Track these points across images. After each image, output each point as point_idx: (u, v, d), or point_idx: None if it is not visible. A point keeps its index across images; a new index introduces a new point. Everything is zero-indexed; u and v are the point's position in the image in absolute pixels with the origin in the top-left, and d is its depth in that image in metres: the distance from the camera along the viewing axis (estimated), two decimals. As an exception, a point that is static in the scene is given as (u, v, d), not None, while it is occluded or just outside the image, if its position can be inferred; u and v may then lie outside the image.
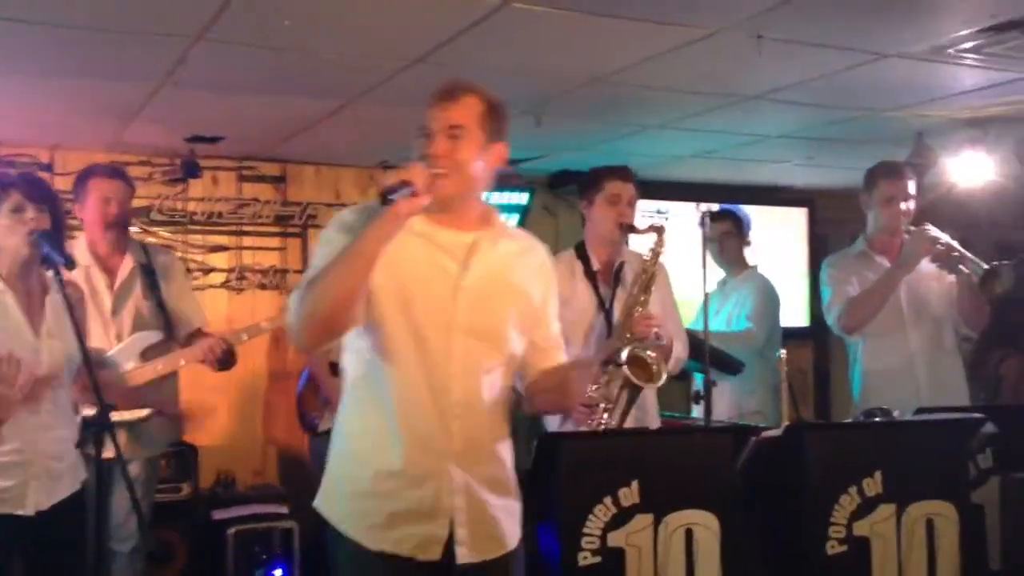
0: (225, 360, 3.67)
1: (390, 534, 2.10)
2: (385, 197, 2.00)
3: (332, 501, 2.19)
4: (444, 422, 2.12)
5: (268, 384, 5.35)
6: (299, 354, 4.93)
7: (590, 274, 3.45)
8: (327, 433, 4.55)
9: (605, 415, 3.21)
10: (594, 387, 3.25)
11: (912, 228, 3.76)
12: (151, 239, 5.12)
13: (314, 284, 2.03)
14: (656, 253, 3.36)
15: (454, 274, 2.14)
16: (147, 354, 3.61)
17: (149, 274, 3.68)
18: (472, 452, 2.15)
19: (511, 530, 2.23)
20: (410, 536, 2.10)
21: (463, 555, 2.12)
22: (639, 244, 3.53)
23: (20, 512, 2.69)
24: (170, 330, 3.70)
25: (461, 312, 2.13)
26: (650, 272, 3.34)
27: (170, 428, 3.79)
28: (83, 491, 2.84)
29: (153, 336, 3.65)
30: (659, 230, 3.37)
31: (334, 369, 4.32)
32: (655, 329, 3.25)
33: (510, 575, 2.22)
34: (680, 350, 3.42)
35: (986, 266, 3.61)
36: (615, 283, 3.44)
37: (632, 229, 3.41)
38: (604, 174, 3.45)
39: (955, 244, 3.72)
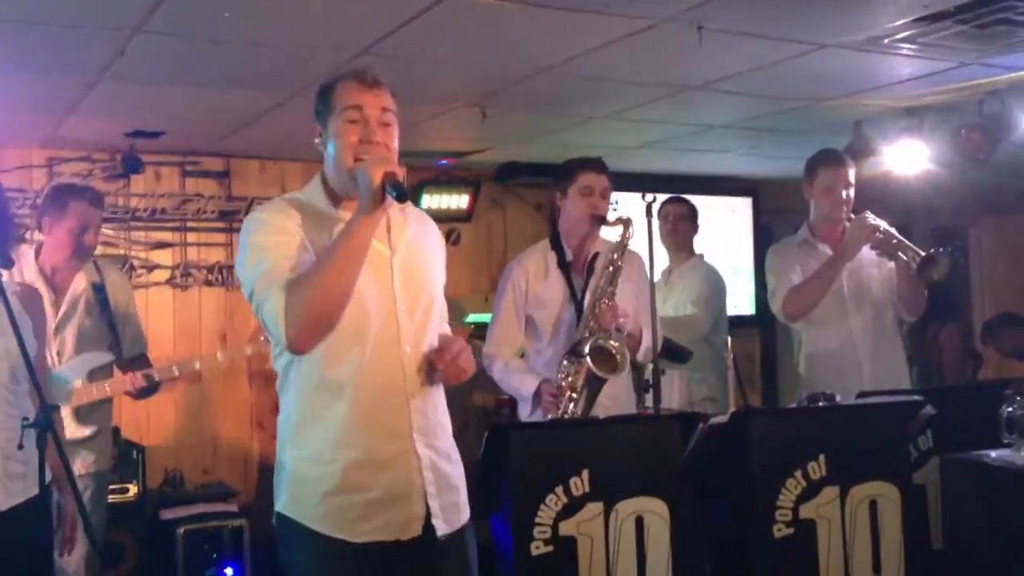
0: (146, 392, 3.67)
1: (372, 523, 2.11)
2: (402, 189, 2.04)
3: (303, 505, 2.14)
4: (403, 401, 2.15)
5: (214, 381, 5.28)
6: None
7: (563, 265, 3.48)
8: None
9: (571, 405, 3.25)
10: (561, 376, 3.28)
11: (852, 216, 3.83)
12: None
13: (305, 287, 2.03)
14: (623, 245, 3.40)
15: (386, 254, 2.19)
16: (94, 375, 3.57)
17: (99, 292, 3.60)
18: (430, 427, 2.20)
19: (464, 498, 2.28)
20: (392, 520, 2.12)
21: (441, 527, 2.16)
22: (612, 235, 3.56)
23: None
24: (118, 349, 3.64)
25: (400, 291, 2.18)
26: (616, 264, 3.37)
27: (106, 453, 3.70)
28: (46, 495, 2.78)
29: (101, 357, 3.60)
30: (626, 223, 3.41)
31: None
32: (620, 320, 3.28)
33: (468, 542, 2.27)
34: (649, 339, 3.45)
35: (923, 253, 3.69)
36: (588, 274, 3.46)
37: (602, 221, 3.44)
38: (577, 165, 3.49)
39: (894, 232, 3.79)
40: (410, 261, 2.23)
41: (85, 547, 3.35)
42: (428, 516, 2.15)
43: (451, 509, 2.21)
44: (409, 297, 2.20)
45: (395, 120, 2.20)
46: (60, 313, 3.55)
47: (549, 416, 3.26)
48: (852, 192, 3.85)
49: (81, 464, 3.48)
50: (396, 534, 2.13)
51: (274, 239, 2.12)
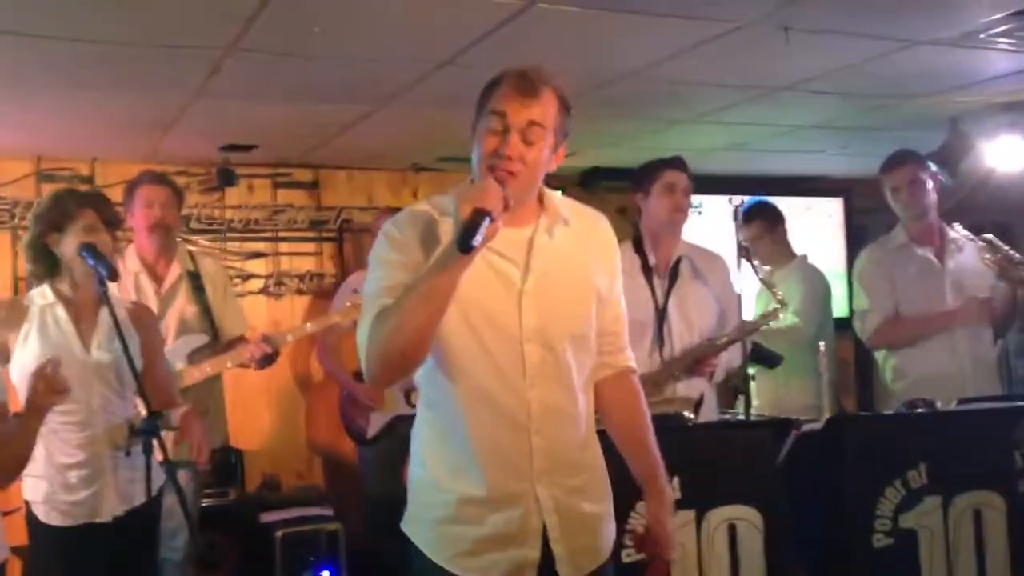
0: (268, 361, 3.77)
1: (478, 561, 1.99)
2: (467, 241, 1.75)
3: (417, 527, 2.08)
4: (523, 440, 1.99)
5: (309, 387, 5.41)
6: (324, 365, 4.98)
7: (647, 270, 3.46)
8: (376, 440, 4.62)
9: None
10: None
11: (987, 256, 3.69)
12: (191, 247, 5.20)
13: (386, 321, 1.89)
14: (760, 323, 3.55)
15: (516, 280, 1.99)
16: (193, 357, 3.70)
17: (195, 280, 3.78)
18: (557, 467, 2.02)
19: (607, 537, 2.13)
20: (499, 561, 1.99)
21: (567, 574, 2.01)
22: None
23: (97, 520, 2.77)
24: (215, 334, 3.78)
25: (528, 320, 1.98)
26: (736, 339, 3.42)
27: (217, 431, 3.86)
28: (158, 498, 2.88)
29: (198, 340, 3.74)
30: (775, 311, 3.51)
31: (359, 377, 4.38)
32: (708, 371, 3.31)
33: None
34: (735, 358, 3.46)
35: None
36: (672, 279, 3.43)
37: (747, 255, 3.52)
38: (659, 164, 3.49)
39: (1014, 254, 3.67)
40: (551, 286, 2.00)
41: (187, 546, 3.47)
42: (546, 561, 2.00)
43: (583, 553, 2.05)
44: (540, 329, 1.99)
45: (545, 136, 1.96)
46: (160, 300, 3.72)
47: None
48: (928, 186, 3.77)
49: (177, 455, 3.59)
50: None
51: (391, 256, 1.98)
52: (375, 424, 4.49)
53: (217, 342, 3.81)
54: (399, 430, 4.34)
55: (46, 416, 2.51)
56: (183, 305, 3.76)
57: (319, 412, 5.41)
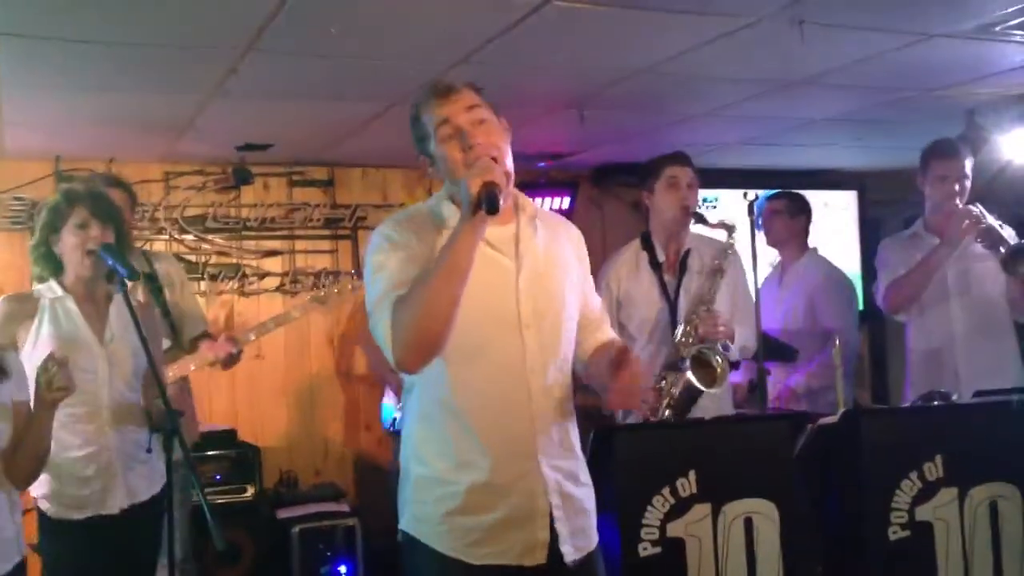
0: (232, 360, 3.67)
1: (493, 547, 2.06)
2: (494, 203, 1.92)
3: (424, 524, 2.11)
4: (526, 423, 2.08)
5: (324, 385, 5.44)
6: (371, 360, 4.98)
7: (655, 265, 3.46)
8: None
9: (667, 412, 3.23)
10: (658, 378, 3.27)
11: (958, 206, 3.70)
12: (206, 246, 5.24)
13: (411, 305, 1.96)
14: (725, 251, 3.38)
15: (511, 270, 2.10)
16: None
17: (152, 281, 3.65)
18: (555, 448, 2.12)
19: (594, 522, 2.21)
20: (513, 544, 2.06)
21: (569, 553, 2.08)
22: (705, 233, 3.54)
23: (104, 512, 2.79)
24: (176, 336, 3.70)
25: (526, 308, 2.09)
26: (720, 268, 3.34)
27: (191, 431, 3.76)
28: (163, 494, 2.91)
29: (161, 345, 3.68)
30: (730, 228, 3.38)
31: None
32: (721, 329, 3.25)
33: (598, 568, 2.19)
34: (748, 338, 3.41)
35: (1012, 243, 3.55)
36: (681, 272, 3.43)
37: (701, 219, 3.42)
38: (661, 160, 3.49)
39: (995, 225, 3.64)
40: (539, 276, 2.12)
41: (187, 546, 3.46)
42: (553, 542, 2.08)
43: (579, 534, 2.13)
44: (536, 315, 2.10)
45: (488, 113, 2.09)
46: None
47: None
48: (967, 184, 3.72)
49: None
50: (518, 559, 2.06)
51: (394, 256, 2.06)
52: None
53: (178, 344, 3.70)
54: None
55: (56, 411, 2.52)
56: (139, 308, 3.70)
57: (335, 409, 5.44)
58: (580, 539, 2.13)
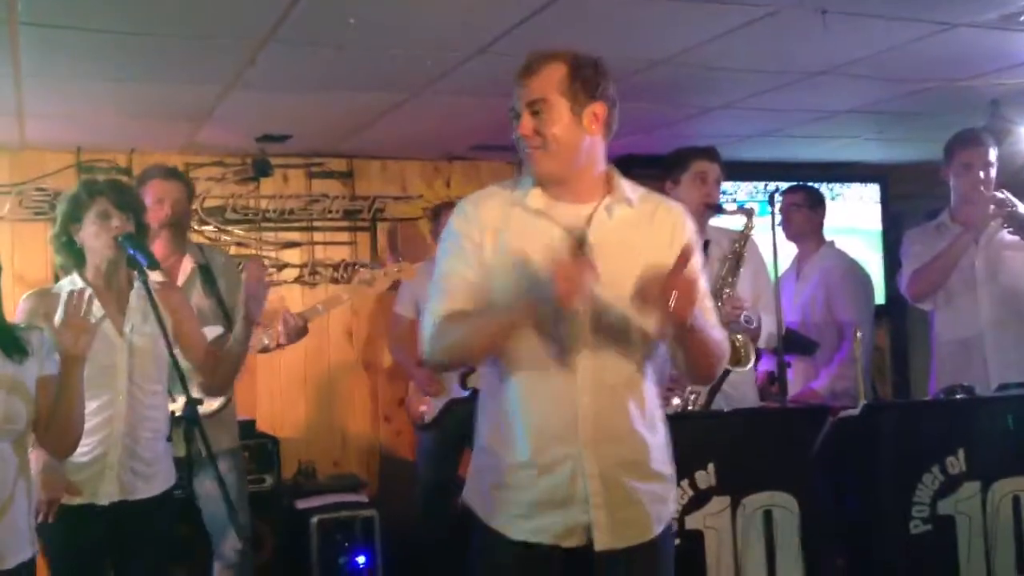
0: (299, 334, 3.75)
1: (531, 523, 2.09)
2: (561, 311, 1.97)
3: (476, 494, 2.19)
4: (570, 408, 2.06)
5: (343, 376, 5.45)
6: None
7: None
8: (434, 424, 4.66)
9: (693, 397, 3.22)
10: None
11: (983, 194, 3.66)
12: (225, 238, 5.26)
13: (452, 333, 2.08)
14: (745, 236, 3.36)
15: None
16: (214, 346, 3.71)
17: (207, 273, 3.75)
18: (604, 435, 2.08)
19: (657, 515, 2.14)
20: (551, 524, 2.08)
21: (601, 541, 2.06)
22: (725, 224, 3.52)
23: (95, 502, 2.78)
24: (230, 326, 3.77)
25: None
26: (739, 254, 3.33)
27: (251, 435, 3.85)
28: (167, 496, 2.91)
29: (214, 331, 3.72)
30: (748, 213, 3.36)
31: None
32: (743, 313, 3.24)
33: (657, 562, 2.15)
34: (770, 324, 3.39)
35: None
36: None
37: (719, 209, 3.40)
38: (691, 153, 3.47)
39: (1022, 209, 3.60)
40: (606, 260, 2.01)
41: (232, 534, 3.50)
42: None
43: (625, 524, 2.08)
44: (595, 298, 2.01)
45: (554, 105, 2.06)
46: None
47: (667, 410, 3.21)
48: (992, 173, 3.68)
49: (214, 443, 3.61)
50: (556, 539, 2.08)
51: (454, 239, 2.14)
52: (433, 409, 4.52)
53: (231, 333, 3.79)
54: (454, 414, 4.40)
55: (82, 368, 2.52)
56: (198, 299, 3.72)
57: (354, 400, 5.45)
58: (627, 529, 2.09)
